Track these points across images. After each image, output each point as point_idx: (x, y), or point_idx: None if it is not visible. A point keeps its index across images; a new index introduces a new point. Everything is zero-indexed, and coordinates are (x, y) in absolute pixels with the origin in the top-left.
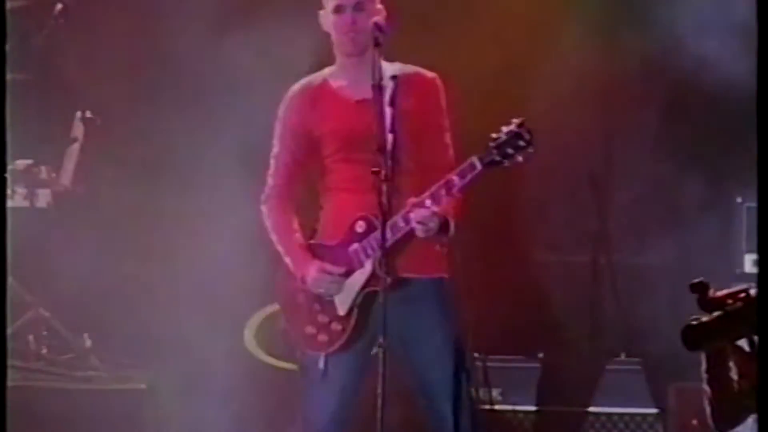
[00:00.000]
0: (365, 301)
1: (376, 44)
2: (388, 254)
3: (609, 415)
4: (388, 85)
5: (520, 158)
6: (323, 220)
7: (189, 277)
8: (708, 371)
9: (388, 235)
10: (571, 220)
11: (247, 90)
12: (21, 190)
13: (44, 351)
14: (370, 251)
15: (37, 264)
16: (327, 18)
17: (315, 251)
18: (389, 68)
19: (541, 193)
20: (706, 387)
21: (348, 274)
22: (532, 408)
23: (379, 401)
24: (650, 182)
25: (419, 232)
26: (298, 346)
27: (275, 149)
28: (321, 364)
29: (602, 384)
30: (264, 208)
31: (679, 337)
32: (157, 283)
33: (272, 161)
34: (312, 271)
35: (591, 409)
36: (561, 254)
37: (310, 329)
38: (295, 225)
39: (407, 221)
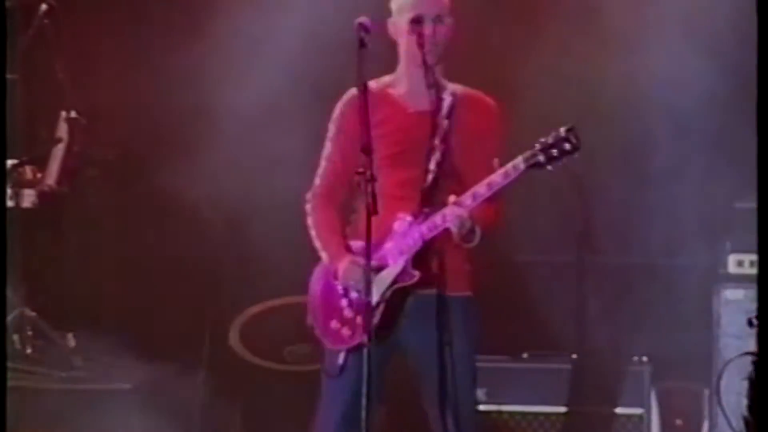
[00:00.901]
0: (393, 297)
1: (362, 45)
2: (422, 253)
3: (594, 415)
4: (447, 99)
5: (561, 162)
6: (359, 221)
7: (175, 276)
8: (751, 401)
9: (425, 232)
10: (555, 221)
11: (236, 87)
12: (6, 190)
13: (29, 351)
14: (404, 248)
15: (22, 264)
16: (399, 26)
17: (352, 249)
18: (449, 86)
19: (526, 193)
20: (748, 414)
21: (380, 269)
22: (517, 408)
23: (364, 400)
24: (635, 182)
25: (453, 229)
26: (322, 341)
27: (327, 150)
28: (340, 360)
29: (587, 384)
30: (308, 207)
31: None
32: (142, 283)
33: (322, 162)
34: (344, 262)
35: (576, 409)
36: (546, 254)
37: (334, 324)
38: (336, 223)
39: (444, 219)
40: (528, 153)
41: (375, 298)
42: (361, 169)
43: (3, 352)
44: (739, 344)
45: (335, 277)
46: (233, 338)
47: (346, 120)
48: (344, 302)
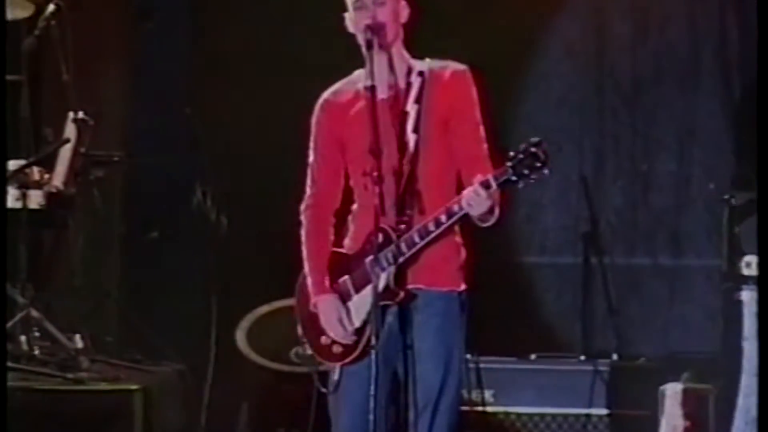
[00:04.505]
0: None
1: (369, 47)
2: (403, 266)
3: (601, 416)
4: (416, 82)
5: (533, 179)
6: (352, 225)
7: (182, 276)
8: None
9: (416, 239)
10: (562, 222)
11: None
12: (13, 191)
13: (36, 352)
14: (384, 264)
15: (28, 265)
16: (350, 17)
17: (335, 260)
18: (417, 65)
19: (533, 194)
20: None
21: (362, 286)
22: (525, 409)
23: (371, 403)
24: (641, 183)
25: (473, 212)
26: (315, 355)
27: (311, 158)
28: (335, 376)
29: (594, 386)
30: (302, 217)
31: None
32: (148, 284)
33: (309, 170)
34: (324, 302)
35: (584, 411)
36: (552, 256)
37: (324, 339)
38: (328, 244)
39: (438, 224)
40: (499, 171)
41: (360, 318)
42: (368, 170)
43: (3, 352)
44: (748, 346)
45: (315, 307)
46: (240, 339)
47: (322, 124)
48: None
